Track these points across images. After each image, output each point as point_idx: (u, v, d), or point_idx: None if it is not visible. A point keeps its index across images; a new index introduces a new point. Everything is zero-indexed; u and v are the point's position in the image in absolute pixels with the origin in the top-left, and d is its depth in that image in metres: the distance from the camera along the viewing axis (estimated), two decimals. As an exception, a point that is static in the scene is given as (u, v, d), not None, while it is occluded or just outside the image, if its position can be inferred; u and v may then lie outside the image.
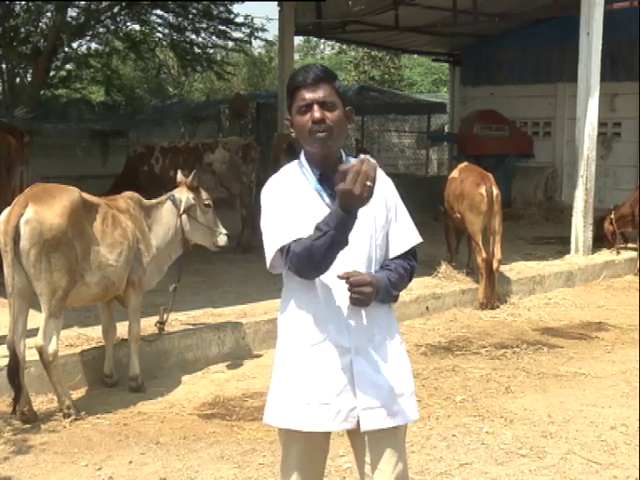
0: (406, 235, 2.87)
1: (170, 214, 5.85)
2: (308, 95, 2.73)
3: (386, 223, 2.83)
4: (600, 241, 10.74)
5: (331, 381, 2.74)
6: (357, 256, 2.75)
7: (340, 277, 2.66)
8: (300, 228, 2.65)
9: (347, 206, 2.52)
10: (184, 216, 5.87)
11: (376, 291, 2.70)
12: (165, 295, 6.28)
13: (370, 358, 2.76)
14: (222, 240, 6.10)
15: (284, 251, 2.69)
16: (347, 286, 2.66)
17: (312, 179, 2.79)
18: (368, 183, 2.47)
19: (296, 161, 2.86)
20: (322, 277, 2.72)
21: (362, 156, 2.51)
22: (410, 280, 2.92)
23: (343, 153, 2.84)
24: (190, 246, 6.04)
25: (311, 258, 2.61)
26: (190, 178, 5.97)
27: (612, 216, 10.72)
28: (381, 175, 2.87)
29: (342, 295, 2.71)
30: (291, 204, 2.74)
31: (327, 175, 2.78)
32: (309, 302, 2.77)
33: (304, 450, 2.83)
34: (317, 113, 2.71)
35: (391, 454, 2.81)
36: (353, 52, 32.41)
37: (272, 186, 2.85)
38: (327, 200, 2.76)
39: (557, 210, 14.60)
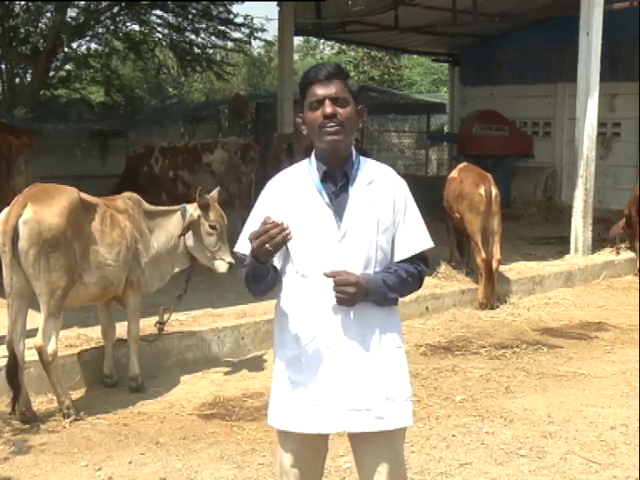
0: (414, 239, 2.82)
1: (176, 224, 5.79)
2: (320, 91, 2.72)
3: (391, 225, 2.78)
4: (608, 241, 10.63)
5: (321, 383, 2.72)
6: (354, 256, 2.72)
7: (326, 275, 2.64)
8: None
9: (253, 251, 2.59)
10: (190, 231, 5.78)
11: (364, 292, 2.67)
12: (165, 295, 6.28)
13: (360, 361, 2.72)
14: (221, 267, 5.82)
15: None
16: (332, 285, 2.64)
17: (316, 177, 2.76)
18: (267, 246, 2.52)
19: (307, 158, 2.84)
20: (313, 276, 2.71)
21: (276, 220, 2.53)
22: (420, 285, 2.87)
23: (354, 151, 2.82)
24: (196, 261, 5.90)
25: (245, 278, 2.74)
26: (196, 195, 5.78)
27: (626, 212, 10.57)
28: (393, 176, 2.86)
29: (332, 295, 2.67)
30: (281, 208, 2.72)
31: (332, 173, 2.76)
32: (299, 302, 2.76)
33: (299, 451, 2.82)
34: (329, 108, 2.70)
35: (388, 456, 2.79)
36: (353, 52, 32.33)
37: (273, 184, 2.83)
38: (326, 199, 2.74)
39: (557, 210, 14.56)
